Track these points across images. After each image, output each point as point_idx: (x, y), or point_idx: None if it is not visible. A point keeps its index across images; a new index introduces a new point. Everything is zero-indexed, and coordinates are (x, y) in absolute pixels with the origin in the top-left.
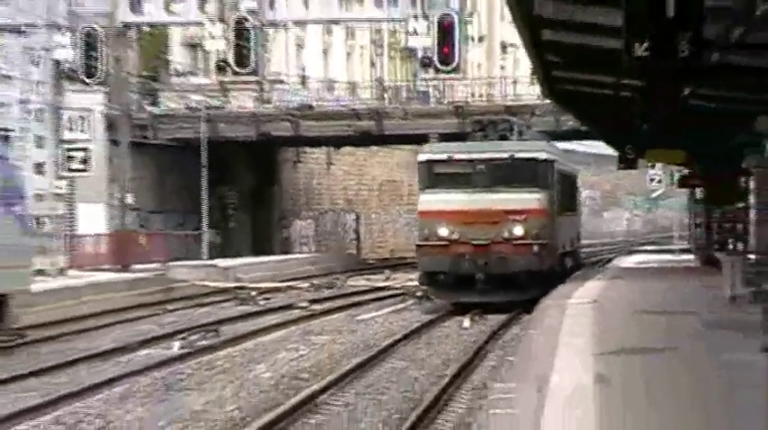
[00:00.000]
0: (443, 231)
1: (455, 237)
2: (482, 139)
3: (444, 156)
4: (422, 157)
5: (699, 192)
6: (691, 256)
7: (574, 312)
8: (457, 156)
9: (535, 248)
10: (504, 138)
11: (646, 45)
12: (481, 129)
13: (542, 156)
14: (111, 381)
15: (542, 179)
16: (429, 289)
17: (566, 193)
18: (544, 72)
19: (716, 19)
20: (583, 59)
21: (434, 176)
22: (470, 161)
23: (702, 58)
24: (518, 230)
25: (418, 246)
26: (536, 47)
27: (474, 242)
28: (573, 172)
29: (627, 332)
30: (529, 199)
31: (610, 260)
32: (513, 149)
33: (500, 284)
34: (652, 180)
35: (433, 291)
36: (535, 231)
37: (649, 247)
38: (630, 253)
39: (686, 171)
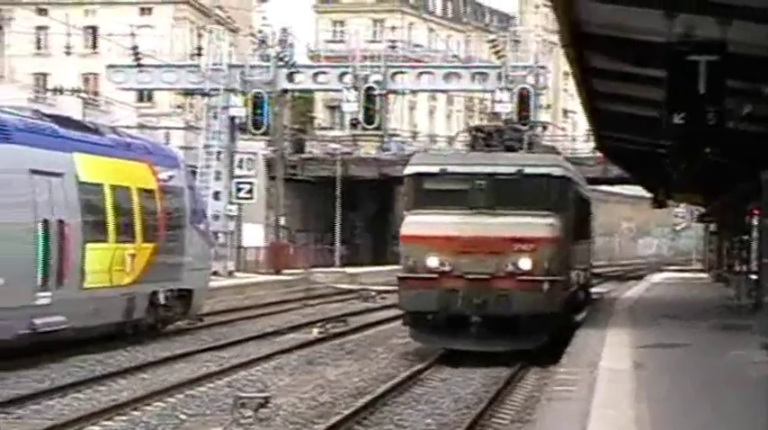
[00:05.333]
0: (432, 262)
1: (446, 269)
2: (484, 150)
3: (436, 169)
4: (409, 170)
5: (712, 226)
6: (705, 275)
7: (617, 316)
8: (452, 169)
9: (545, 286)
10: (510, 149)
11: (682, 115)
12: (484, 137)
13: (557, 172)
14: (267, 357)
15: (557, 200)
16: (411, 331)
17: (581, 217)
18: (597, 132)
19: (733, 96)
20: (627, 124)
21: (423, 193)
22: (468, 175)
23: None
24: (525, 263)
25: (400, 278)
26: (593, 113)
27: (470, 276)
28: (589, 194)
29: (656, 331)
30: (540, 224)
31: (642, 276)
32: (522, 163)
33: (500, 329)
34: (677, 216)
35: (416, 334)
36: (546, 264)
37: (673, 267)
38: (659, 271)
39: (703, 210)
